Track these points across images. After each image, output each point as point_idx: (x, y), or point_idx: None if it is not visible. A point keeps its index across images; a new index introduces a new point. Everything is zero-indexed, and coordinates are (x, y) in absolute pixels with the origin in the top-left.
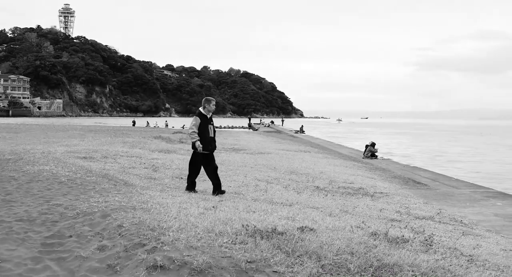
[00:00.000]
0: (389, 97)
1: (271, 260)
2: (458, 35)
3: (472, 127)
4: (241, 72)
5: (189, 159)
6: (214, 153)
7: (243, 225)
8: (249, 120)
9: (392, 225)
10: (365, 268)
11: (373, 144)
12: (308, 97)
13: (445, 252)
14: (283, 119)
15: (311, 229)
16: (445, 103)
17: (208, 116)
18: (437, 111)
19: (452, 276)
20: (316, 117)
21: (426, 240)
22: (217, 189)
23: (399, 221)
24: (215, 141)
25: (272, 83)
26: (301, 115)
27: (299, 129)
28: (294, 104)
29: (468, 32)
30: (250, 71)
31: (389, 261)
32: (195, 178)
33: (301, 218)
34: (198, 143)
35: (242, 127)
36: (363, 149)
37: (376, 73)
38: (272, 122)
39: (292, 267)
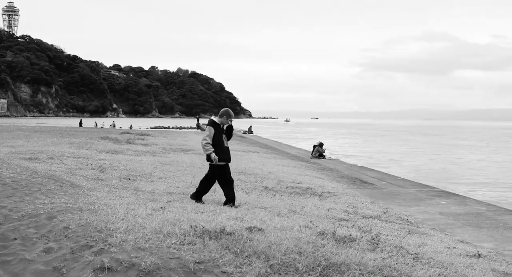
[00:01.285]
0: (337, 97)
1: (220, 261)
2: (403, 37)
3: (417, 127)
4: (189, 72)
5: (141, 161)
6: (169, 155)
7: (191, 225)
8: (198, 121)
9: (339, 224)
10: (313, 267)
11: (321, 144)
12: (257, 97)
13: (392, 251)
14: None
15: (260, 229)
16: (391, 103)
17: (222, 126)
18: (384, 111)
19: (398, 274)
20: (264, 118)
21: (373, 239)
22: (232, 202)
23: (347, 220)
24: (229, 152)
25: (221, 84)
26: (250, 116)
27: (247, 130)
28: (242, 105)
29: (413, 34)
30: (199, 71)
31: (336, 260)
32: (205, 194)
33: (250, 218)
34: (213, 155)
35: (191, 128)
36: (311, 149)
37: (323, 73)
38: None
39: (241, 267)
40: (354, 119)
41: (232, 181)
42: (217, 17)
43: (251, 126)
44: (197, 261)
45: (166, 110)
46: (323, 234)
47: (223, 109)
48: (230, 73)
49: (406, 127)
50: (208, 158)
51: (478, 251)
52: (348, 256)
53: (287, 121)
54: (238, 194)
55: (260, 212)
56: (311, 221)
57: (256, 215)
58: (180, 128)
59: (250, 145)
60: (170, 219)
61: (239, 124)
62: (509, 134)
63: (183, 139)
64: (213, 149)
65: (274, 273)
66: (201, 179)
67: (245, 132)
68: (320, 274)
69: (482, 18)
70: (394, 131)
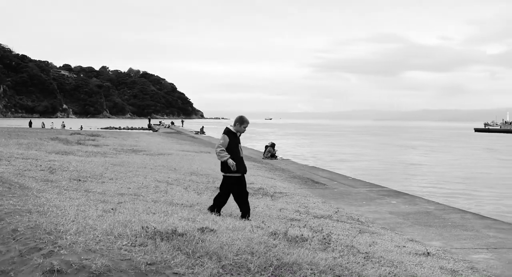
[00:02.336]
0: (289, 98)
1: (172, 262)
2: (354, 38)
3: (367, 128)
4: (141, 72)
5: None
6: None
7: (142, 227)
8: (149, 121)
9: (291, 224)
10: (265, 267)
11: (272, 145)
12: (209, 98)
13: (343, 250)
14: (183, 120)
15: (212, 230)
16: (342, 104)
17: (238, 134)
18: (335, 111)
19: (349, 273)
20: (216, 118)
21: (324, 238)
22: (246, 215)
23: (298, 220)
24: (244, 162)
25: (172, 84)
26: (202, 116)
27: (199, 130)
28: (194, 105)
29: (364, 35)
30: (150, 71)
31: (288, 260)
32: (220, 209)
33: (202, 219)
34: (230, 161)
35: (142, 128)
36: (263, 150)
37: (276, 74)
38: (172, 123)
39: (193, 268)
40: (306, 120)
41: (247, 193)
42: (168, 17)
43: (203, 127)
44: (148, 262)
45: (117, 111)
46: (275, 234)
47: (237, 116)
48: (182, 73)
49: (356, 128)
50: (223, 167)
51: (427, 250)
52: (300, 256)
53: None
54: (190, 195)
55: (212, 213)
56: (263, 221)
57: (208, 215)
58: (132, 128)
59: (202, 146)
60: (121, 220)
61: (190, 125)
62: (455, 134)
63: (135, 140)
64: (229, 155)
65: (226, 273)
66: (215, 196)
67: (197, 132)
68: (272, 274)
69: (431, 20)
70: (345, 131)
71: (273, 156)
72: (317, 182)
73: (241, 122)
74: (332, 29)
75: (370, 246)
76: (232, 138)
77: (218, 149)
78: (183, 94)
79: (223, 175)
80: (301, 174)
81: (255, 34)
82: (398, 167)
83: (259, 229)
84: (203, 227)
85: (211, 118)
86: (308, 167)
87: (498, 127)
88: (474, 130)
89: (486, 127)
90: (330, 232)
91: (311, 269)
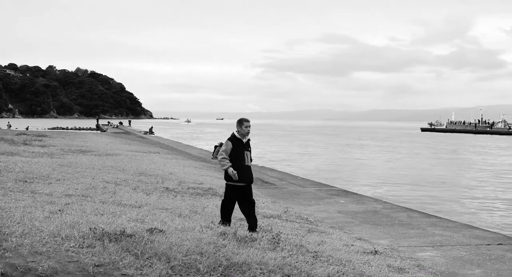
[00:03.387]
0: (239, 98)
1: (120, 263)
2: (304, 38)
3: (317, 128)
4: (89, 72)
5: (35, 162)
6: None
7: (90, 228)
8: (97, 121)
9: (240, 224)
10: (214, 267)
11: (221, 145)
12: (158, 98)
13: (292, 249)
14: (130, 120)
15: (161, 231)
16: (292, 104)
17: (244, 140)
18: (285, 111)
19: (298, 273)
20: (165, 118)
21: (274, 238)
22: (254, 228)
23: None
24: (251, 170)
25: (121, 84)
26: (151, 116)
27: (148, 130)
28: (143, 105)
29: (314, 35)
30: (98, 71)
31: (238, 260)
32: (229, 219)
33: (151, 220)
34: (231, 170)
35: (90, 129)
36: (212, 150)
37: (226, 74)
38: (121, 123)
39: (141, 270)
40: (256, 120)
41: (254, 203)
42: (116, 16)
43: (152, 127)
44: (96, 264)
45: (64, 111)
46: (224, 234)
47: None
48: (131, 73)
49: (306, 128)
50: (226, 175)
51: (374, 248)
52: (249, 256)
53: (188, 121)
54: (139, 196)
55: (161, 213)
56: (212, 222)
57: (157, 216)
58: (79, 129)
59: (151, 146)
60: (69, 222)
61: (139, 125)
62: (403, 134)
63: (82, 140)
64: (230, 164)
65: (175, 274)
66: (220, 206)
67: (145, 132)
68: (221, 274)
69: (381, 21)
70: (295, 131)
71: None
72: (267, 182)
73: (240, 123)
74: (282, 29)
75: (319, 245)
76: (237, 144)
77: (220, 157)
78: (132, 94)
79: (225, 183)
80: None
81: (205, 34)
82: (347, 166)
83: (209, 230)
84: (152, 228)
85: (161, 118)
86: (258, 167)
87: (444, 127)
88: (420, 130)
89: (432, 127)
90: (279, 232)
91: (261, 269)
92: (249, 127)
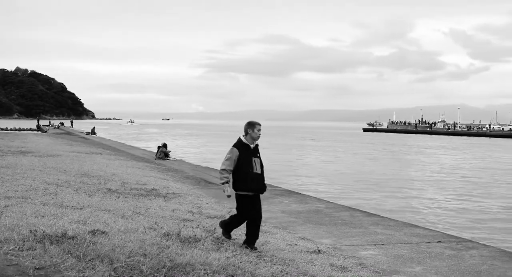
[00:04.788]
0: (182, 98)
1: (61, 266)
2: (245, 38)
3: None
4: (29, 71)
5: None
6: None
7: (31, 230)
8: (38, 122)
9: (184, 225)
10: (158, 269)
11: (165, 145)
12: (100, 98)
13: (236, 250)
14: (73, 120)
15: (103, 232)
16: (234, 104)
17: (252, 146)
18: (228, 112)
19: (242, 273)
20: (108, 119)
21: (218, 238)
22: (250, 243)
23: (192, 221)
24: (263, 178)
25: (62, 84)
26: (93, 117)
27: (90, 131)
28: (85, 105)
29: (255, 36)
30: (39, 71)
31: (181, 261)
32: (236, 227)
33: (93, 221)
34: (226, 187)
35: (31, 129)
36: (156, 150)
37: (168, 74)
38: (62, 123)
39: (84, 272)
40: (199, 120)
41: (260, 217)
42: (57, 15)
43: (94, 127)
44: (37, 267)
45: (3, 111)
46: (168, 235)
47: (245, 124)
48: (72, 73)
49: None
50: (235, 184)
51: (318, 247)
52: (193, 257)
53: (131, 122)
54: (81, 197)
55: (104, 215)
56: (155, 223)
57: (99, 218)
58: (19, 129)
59: (93, 147)
60: (8, 224)
61: (81, 125)
62: (344, 134)
63: (22, 141)
64: (228, 179)
65: (118, 276)
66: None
67: (88, 133)
68: (165, 276)
69: (321, 22)
70: (237, 131)
71: (166, 156)
72: (211, 182)
73: (252, 126)
74: (223, 30)
75: (262, 245)
76: (244, 151)
77: (221, 167)
78: (73, 94)
79: (235, 193)
80: (194, 174)
81: (148, 34)
82: (289, 166)
83: (152, 231)
84: (94, 230)
85: (103, 119)
86: (202, 168)
87: (383, 127)
88: (363, 130)
89: (374, 127)
90: None
91: (204, 270)
92: (260, 131)
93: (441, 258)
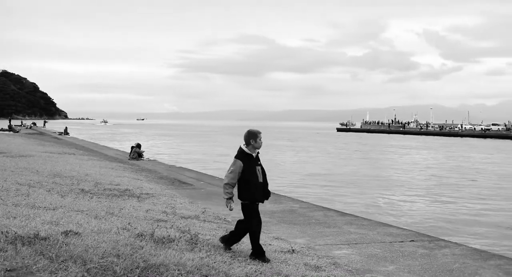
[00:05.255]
0: (156, 98)
1: (34, 267)
2: (219, 38)
3: (232, 128)
4: (0, 71)
5: None
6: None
7: (2, 232)
8: (10, 122)
9: (158, 225)
10: (131, 269)
11: (138, 145)
12: (73, 98)
13: (210, 250)
14: (46, 120)
15: (76, 233)
16: (208, 104)
17: (254, 155)
18: (201, 112)
19: (216, 273)
20: (81, 119)
21: (192, 239)
22: (257, 255)
23: (166, 221)
24: (267, 185)
25: (34, 84)
26: (66, 117)
27: (63, 131)
28: (58, 105)
29: (229, 36)
30: (10, 70)
31: (155, 261)
32: (242, 238)
33: (66, 222)
34: (230, 203)
35: (2, 130)
36: (129, 151)
37: (142, 74)
38: (34, 123)
39: (56, 273)
40: (173, 120)
41: (260, 224)
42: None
43: (66, 127)
44: (8, 268)
45: None
46: (141, 235)
47: (245, 133)
48: (45, 73)
49: (222, 128)
50: (240, 194)
51: (292, 247)
52: (167, 257)
53: (104, 122)
54: (54, 198)
55: (77, 216)
56: (129, 223)
57: (72, 218)
58: None
59: (66, 147)
60: None
61: (54, 125)
62: (318, 134)
63: None
64: (232, 194)
65: None
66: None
67: (60, 133)
68: (138, 276)
69: (296, 22)
70: (211, 131)
71: (140, 156)
72: (184, 182)
73: (254, 136)
74: (197, 30)
75: (236, 245)
76: (247, 161)
77: (224, 181)
78: (46, 94)
79: (241, 203)
80: (168, 174)
81: (122, 34)
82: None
83: (125, 231)
84: (67, 231)
85: (76, 119)
86: (175, 168)
87: (357, 127)
88: (336, 130)
89: (348, 127)
90: (197, 232)
91: (178, 270)
92: (261, 140)
93: (414, 257)
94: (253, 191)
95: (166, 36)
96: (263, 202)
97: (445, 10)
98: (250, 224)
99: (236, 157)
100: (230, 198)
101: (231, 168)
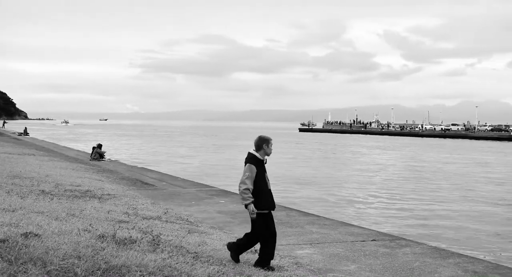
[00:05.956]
0: (118, 98)
1: None
2: (181, 38)
3: (195, 128)
4: None
5: None
6: None
7: None
8: None
9: (120, 226)
10: (92, 271)
11: (99, 146)
12: (33, 98)
13: (172, 251)
14: (5, 121)
15: (36, 235)
16: (170, 104)
17: (264, 160)
18: (164, 112)
19: (179, 274)
20: (42, 119)
21: (154, 240)
22: (264, 263)
23: (127, 222)
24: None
25: None
26: (26, 117)
27: (23, 131)
28: (17, 105)
29: (191, 36)
30: None
31: (117, 262)
32: (274, 245)
33: (25, 224)
34: (252, 207)
35: None
36: (90, 151)
37: (104, 74)
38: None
39: (15, 276)
40: (135, 120)
41: (275, 233)
42: None
43: (26, 128)
44: None
45: None
46: (103, 237)
47: (256, 138)
48: (4, 72)
49: (184, 128)
50: (256, 206)
51: (254, 248)
52: (129, 258)
53: (65, 122)
54: (13, 199)
55: (37, 217)
56: (90, 224)
57: (32, 220)
58: None
59: (26, 148)
60: None
61: (13, 126)
62: (281, 134)
63: None
64: (253, 199)
65: None
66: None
67: (20, 134)
68: None
69: (258, 22)
70: (173, 132)
71: (101, 157)
72: (146, 183)
73: (267, 141)
74: (160, 30)
75: (199, 246)
76: (259, 167)
77: (243, 187)
78: (5, 94)
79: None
80: (130, 175)
81: (83, 33)
82: (225, 166)
83: (87, 232)
84: (27, 232)
85: (36, 119)
86: (137, 168)
87: (317, 127)
88: (298, 130)
89: (310, 127)
90: (160, 233)
91: (140, 271)
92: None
93: (375, 256)
94: (263, 199)
95: (128, 36)
96: (270, 211)
97: (406, 11)
98: (253, 233)
99: (249, 162)
100: (252, 203)
101: (247, 174)
